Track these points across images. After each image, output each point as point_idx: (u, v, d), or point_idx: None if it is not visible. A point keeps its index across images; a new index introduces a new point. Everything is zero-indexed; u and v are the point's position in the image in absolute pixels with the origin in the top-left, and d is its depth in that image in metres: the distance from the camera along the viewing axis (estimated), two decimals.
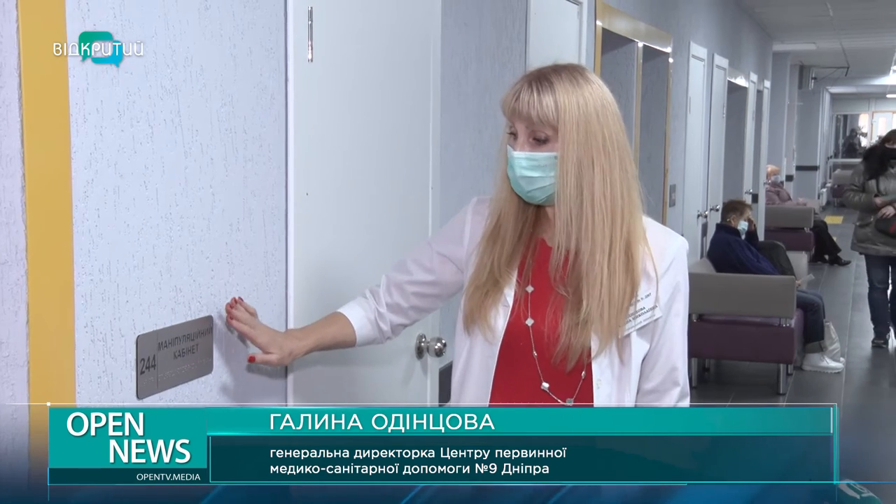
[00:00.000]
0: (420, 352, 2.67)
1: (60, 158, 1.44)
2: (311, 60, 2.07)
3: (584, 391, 1.81)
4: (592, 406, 1.80)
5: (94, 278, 1.52)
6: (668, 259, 1.82)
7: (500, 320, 1.81)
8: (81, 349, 1.50)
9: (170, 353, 1.70)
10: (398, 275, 1.98)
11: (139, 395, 1.64)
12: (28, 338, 1.39)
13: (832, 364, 7.15)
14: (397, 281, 1.98)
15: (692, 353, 6.55)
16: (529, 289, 1.81)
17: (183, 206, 1.72)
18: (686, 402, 1.90)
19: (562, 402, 1.81)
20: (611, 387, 1.81)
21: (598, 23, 4.52)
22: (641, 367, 1.84)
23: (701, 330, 6.54)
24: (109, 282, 1.56)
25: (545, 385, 1.81)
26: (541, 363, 1.81)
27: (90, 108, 1.49)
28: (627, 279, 1.77)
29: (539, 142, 1.73)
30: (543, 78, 1.74)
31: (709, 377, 7.02)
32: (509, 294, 1.81)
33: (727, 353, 6.76)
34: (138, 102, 1.59)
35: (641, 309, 1.79)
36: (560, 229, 1.76)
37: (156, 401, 1.68)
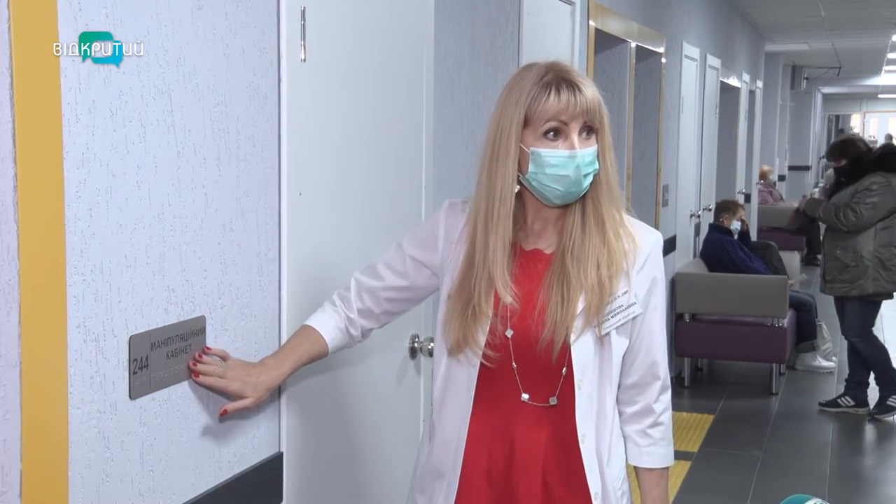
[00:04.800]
0: (413, 352, 2.67)
1: (52, 158, 1.43)
2: (304, 60, 2.07)
3: (568, 392, 1.81)
4: (574, 405, 1.81)
5: (87, 278, 1.52)
6: (643, 255, 1.83)
7: (480, 336, 1.80)
8: (74, 349, 1.50)
9: (163, 354, 1.70)
10: (370, 280, 1.96)
11: (132, 396, 1.63)
12: (20, 338, 1.39)
13: (824, 363, 7.17)
14: (369, 286, 1.96)
15: (685, 353, 6.59)
16: (508, 300, 1.80)
17: (176, 206, 1.72)
18: (667, 396, 1.91)
19: (545, 405, 1.82)
20: (591, 386, 1.81)
21: (591, 23, 4.52)
22: (622, 363, 1.84)
23: (694, 330, 6.55)
24: (102, 282, 1.55)
25: (525, 396, 1.82)
26: (520, 374, 1.81)
27: (82, 108, 1.49)
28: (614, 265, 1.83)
29: (587, 137, 1.76)
30: (568, 73, 1.76)
31: (701, 377, 7.03)
32: (489, 307, 1.80)
33: (720, 353, 6.77)
34: (131, 102, 1.59)
35: (619, 307, 1.80)
36: (587, 217, 1.79)
37: (148, 401, 1.68)
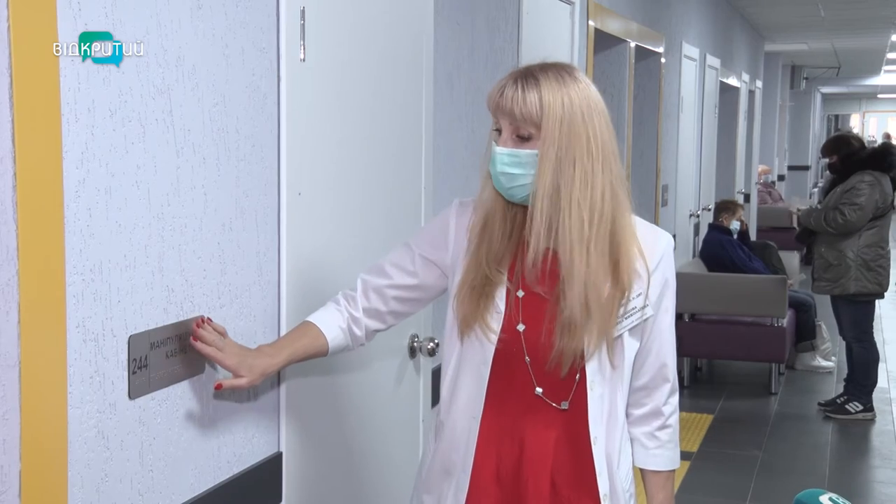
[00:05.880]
0: (413, 352, 2.67)
1: (52, 158, 1.43)
2: (304, 60, 2.07)
3: (579, 394, 1.80)
4: (587, 409, 1.80)
5: (86, 278, 1.52)
6: (657, 257, 1.82)
7: (494, 325, 1.80)
8: (73, 349, 1.50)
9: (162, 353, 1.70)
10: (377, 279, 1.94)
11: (131, 396, 1.63)
12: (19, 338, 1.39)
13: (824, 363, 7.17)
14: (376, 285, 1.93)
15: (685, 352, 6.58)
16: (520, 293, 1.79)
17: (175, 206, 1.72)
18: (676, 398, 1.90)
19: (556, 406, 1.81)
20: (603, 388, 1.80)
21: (591, 23, 4.52)
22: (632, 365, 1.84)
23: (693, 330, 6.55)
24: (101, 282, 1.55)
25: (539, 390, 1.81)
26: (534, 368, 1.80)
27: (82, 108, 1.49)
28: (614, 282, 1.75)
29: (522, 139, 1.72)
30: (530, 75, 1.72)
31: (701, 377, 7.03)
32: (500, 299, 1.79)
33: (719, 353, 6.77)
34: (130, 102, 1.59)
35: (632, 309, 1.79)
36: (535, 229, 1.72)
37: (148, 401, 1.68)
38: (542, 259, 1.75)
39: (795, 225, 6.32)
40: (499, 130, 1.74)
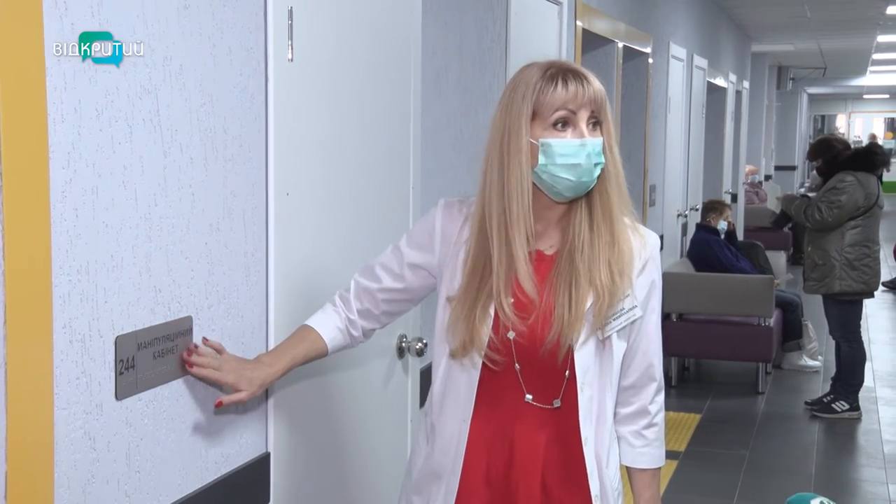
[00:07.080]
0: (401, 352, 2.66)
1: (38, 158, 1.43)
2: (291, 60, 2.07)
3: (570, 390, 1.81)
4: (577, 410, 1.81)
5: (73, 279, 1.51)
6: (643, 258, 1.83)
7: (484, 338, 1.79)
8: (59, 350, 1.49)
9: (149, 354, 1.69)
10: (367, 281, 1.96)
11: (118, 397, 1.63)
12: (5, 339, 1.38)
13: (810, 363, 7.20)
14: (367, 288, 1.95)
15: (672, 352, 6.60)
16: (510, 300, 1.79)
17: (162, 206, 1.71)
18: (661, 397, 1.91)
19: (549, 406, 1.81)
20: (592, 389, 1.81)
21: (579, 23, 4.53)
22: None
23: (681, 329, 6.57)
24: (88, 282, 1.55)
25: (528, 397, 1.81)
26: (523, 375, 1.80)
27: (68, 108, 1.48)
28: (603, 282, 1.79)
29: (594, 129, 1.75)
30: (571, 66, 1.77)
31: (689, 376, 7.05)
32: (490, 308, 1.79)
33: (707, 353, 6.79)
34: (117, 102, 1.58)
35: (621, 309, 1.79)
36: (576, 225, 1.77)
37: (135, 402, 1.67)
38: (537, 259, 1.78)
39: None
40: (562, 122, 1.73)
